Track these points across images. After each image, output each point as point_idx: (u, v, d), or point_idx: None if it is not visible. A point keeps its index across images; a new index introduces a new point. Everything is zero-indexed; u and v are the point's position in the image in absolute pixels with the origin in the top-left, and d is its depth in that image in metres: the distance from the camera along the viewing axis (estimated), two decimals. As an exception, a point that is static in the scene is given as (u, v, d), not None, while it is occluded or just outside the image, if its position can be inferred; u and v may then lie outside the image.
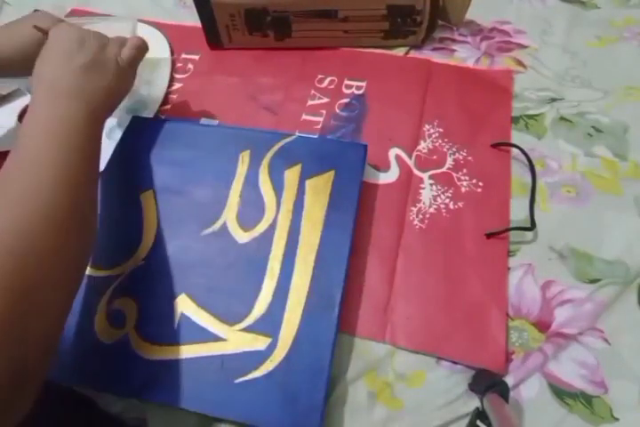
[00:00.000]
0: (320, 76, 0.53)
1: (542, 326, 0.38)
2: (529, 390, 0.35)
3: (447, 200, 0.44)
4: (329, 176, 0.41)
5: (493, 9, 0.58)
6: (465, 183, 0.45)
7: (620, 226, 0.42)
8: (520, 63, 0.53)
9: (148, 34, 0.56)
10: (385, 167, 0.46)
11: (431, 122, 0.49)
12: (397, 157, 0.46)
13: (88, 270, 0.39)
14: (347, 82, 0.52)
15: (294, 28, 0.53)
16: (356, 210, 0.40)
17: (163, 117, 0.51)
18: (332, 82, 0.52)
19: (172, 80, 0.54)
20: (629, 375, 0.36)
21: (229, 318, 0.36)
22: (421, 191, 0.44)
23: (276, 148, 0.43)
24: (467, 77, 0.52)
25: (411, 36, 0.54)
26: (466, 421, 0.32)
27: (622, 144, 0.47)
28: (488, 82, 0.51)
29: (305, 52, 0.55)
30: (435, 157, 0.46)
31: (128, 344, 0.36)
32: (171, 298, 0.37)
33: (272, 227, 0.40)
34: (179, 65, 0.55)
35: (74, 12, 0.61)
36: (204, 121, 0.50)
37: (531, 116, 0.49)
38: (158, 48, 0.56)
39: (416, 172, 0.46)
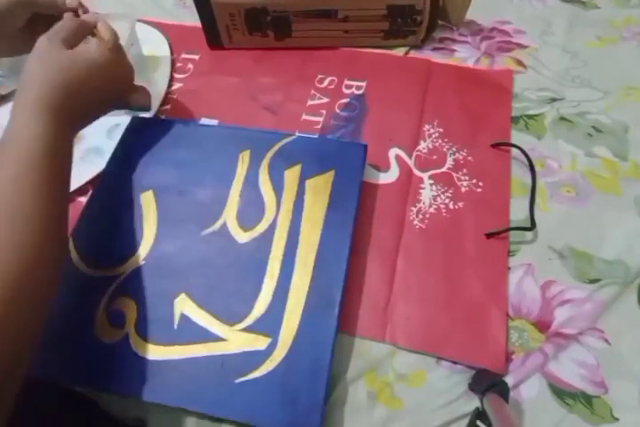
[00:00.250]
0: (320, 76, 0.53)
1: (542, 326, 0.38)
2: (529, 390, 0.35)
3: (447, 200, 0.44)
4: (329, 176, 0.41)
5: (493, 9, 0.58)
6: (465, 183, 0.45)
7: (619, 226, 0.42)
8: (520, 63, 0.53)
9: (148, 34, 0.57)
10: (385, 167, 0.46)
11: (431, 122, 0.49)
12: (397, 157, 0.46)
13: (88, 270, 0.39)
14: (347, 82, 0.52)
15: (294, 28, 0.53)
16: (356, 210, 0.40)
17: (163, 117, 0.51)
18: (331, 82, 0.52)
19: (171, 80, 0.54)
20: (629, 375, 0.36)
21: (229, 318, 0.36)
22: (421, 191, 0.44)
23: (276, 148, 0.43)
24: (467, 77, 0.52)
25: (411, 36, 0.54)
26: (466, 421, 0.32)
27: (622, 144, 0.47)
28: (488, 82, 0.51)
29: (305, 52, 0.55)
30: (435, 157, 0.46)
31: (128, 344, 0.36)
32: (171, 298, 0.37)
33: (272, 227, 0.40)
34: (179, 65, 0.55)
35: (74, 12, 0.61)
36: (204, 121, 0.50)
37: (531, 116, 0.49)
38: (158, 48, 0.56)
39: (416, 172, 0.46)
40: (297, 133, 0.45)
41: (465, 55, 0.54)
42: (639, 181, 0.44)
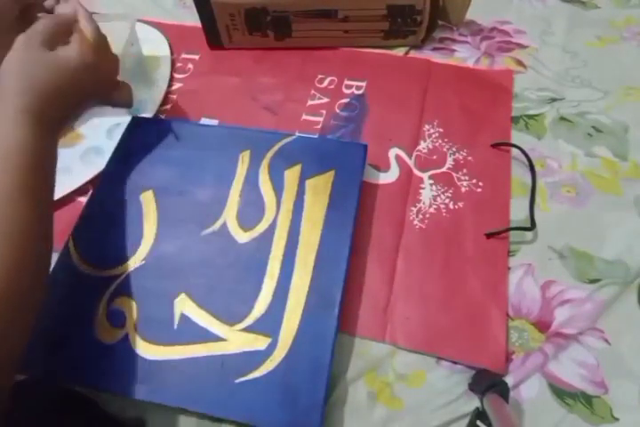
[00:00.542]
0: (320, 76, 0.53)
1: (542, 326, 0.38)
2: (529, 390, 0.35)
3: (447, 200, 0.44)
4: (329, 176, 0.41)
5: (493, 9, 0.58)
6: (465, 183, 0.45)
7: (619, 226, 0.42)
8: (520, 63, 0.53)
9: (148, 34, 0.57)
10: (385, 167, 0.46)
11: (431, 122, 0.49)
12: (397, 157, 0.46)
13: (88, 270, 0.39)
14: (347, 82, 0.52)
15: (294, 28, 0.53)
16: (356, 210, 0.40)
17: (162, 117, 0.51)
18: (332, 82, 0.52)
19: (172, 80, 0.54)
20: (629, 375, 0.36)
21: (229, 318, 0.36)
22: (421, 191, 0.44)
23: (276, 148, 0.43)
24: (467, 77, 0.52)
25: (411, 36, 0.54)
26: (466, 421, 0.32)
27: (622, 144, 0.47)
28: (488, 82, 0.51)
29: (305, 52, 0.55)
30: (435, 156, 0.46)
31: (128, 344, 0.36)
32: (171, 298, 0.37)
33: (272, 227, 0.40)
34: (179, 65, 0.55)
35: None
36: (204, 121, 0.50)
37: (531, 116, 0.49)
38: (158, 48, 0.56)
39: (416, 172, 0.46)
40: (297, 133, 0.45)
41: (465, 55, 0.54)
42: (639, 181, 0.44)
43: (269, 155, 0.43)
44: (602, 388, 0.35)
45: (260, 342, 0.35)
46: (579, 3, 0.59)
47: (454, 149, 0.47)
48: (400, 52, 0.55)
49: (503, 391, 0.32)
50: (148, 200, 0.42)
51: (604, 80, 0.51)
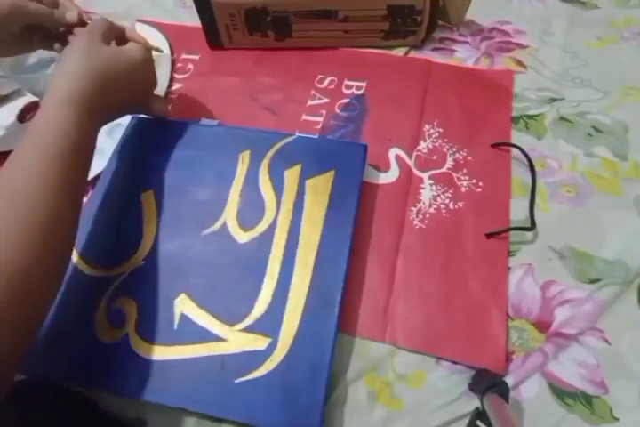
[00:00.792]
0: (320, 77, 0.53)
1: (542, 326, 0.38)
2: (529, 390, 0.35)
3: (447, 200, 0.44)
4: (329, 176, 0.41)
5: (493, 9, 0.58)
6: (465, 183, 0.45)
7: (619, 226, 0.42)
8: (520, 63, 0.53)
9: (148, 34, 0.56)
10: (385, 167, 0.46)
11: (431, 122, 0.49)
12: (397, 157, 0.46)
13: (88, 270, 0.39)
14: (347, 82, 0.52)
15: (294, 28, 0.53)
16: (356, 210, 0.40)
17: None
18: (331, 82, 0.52)
19: (172, 80, 0.54)
20: (629, 375, 0.36)
21: (229, 318, 0.36)
22: (421, 191, 0.44)
23: (276, 148, 0.43)
24: (467, 77, 0.52)
25: (411, 36, 0.54)
26: (466, 421, 0.32)
27: (622, 144, 0.47)
28: (488, 82, 0.51)
29: (305, 53, 0.55)
30: (435, 157, 0.46)
31: (128, 344, 0.36)
32: (171, 298, 0.37)
33: (272, 227, 0.40)
34: (179, 65, 0.55)
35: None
36: (204, 121, 0.50)
37: (531, 116, 0.49)
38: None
39: (416, 172, 0.46)
40: (297, 133, 0.45)
41: (465, 55, 0.54)
42: (639, 181, 0.44)
43: (269, 155, 0.43)
44: (602, 388, 0.35)
45: (260, 342, 0.35)
46: (579, 3, 0.59)
47: (454, 149, 0.47)
48: (400, 52, 0.55)
49: (503, 391, 0.32)
50: (148, 200, 0.42)
51: (604, 80, 0.51)
